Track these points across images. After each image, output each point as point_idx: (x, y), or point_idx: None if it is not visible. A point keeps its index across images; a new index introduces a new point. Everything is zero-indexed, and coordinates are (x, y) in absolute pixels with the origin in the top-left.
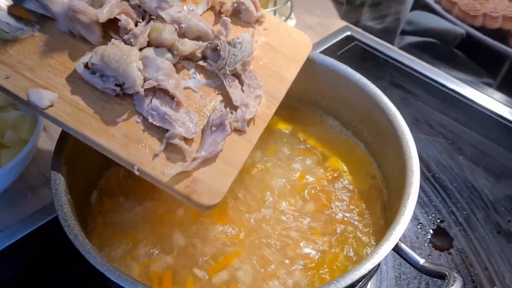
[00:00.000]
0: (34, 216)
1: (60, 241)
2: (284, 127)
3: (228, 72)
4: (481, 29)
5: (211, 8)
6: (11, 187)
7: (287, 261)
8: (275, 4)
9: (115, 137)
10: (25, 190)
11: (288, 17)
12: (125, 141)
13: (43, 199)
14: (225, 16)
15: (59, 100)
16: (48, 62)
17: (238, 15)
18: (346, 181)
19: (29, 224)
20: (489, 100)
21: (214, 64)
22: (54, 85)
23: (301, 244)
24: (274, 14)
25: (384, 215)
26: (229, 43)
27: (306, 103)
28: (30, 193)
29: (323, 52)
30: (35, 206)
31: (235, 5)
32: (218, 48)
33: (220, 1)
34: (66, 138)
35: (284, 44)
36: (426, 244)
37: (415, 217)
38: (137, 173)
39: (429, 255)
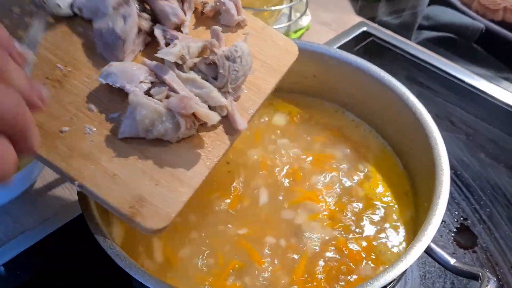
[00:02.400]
0: (55, 217)
1: (81, 241)
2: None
3: (230, 90)
4: (501, 23)
5: (195, 11)
6: (31, 188)
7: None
8: (291, 1)
9: (57, 148)
10: (45, 190)
11: (303, 14)
12: (68, 153)
13: (62, 199)
14: (208, 16)
15: None
16: None
17: (217, 17)
18: (371, 179)
19: (50, 226)
20: (509, 95)
21: (214, 82)
22: None
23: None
24: (290, 10)
25: (411, 214)
26: (227, 58)
27: (327, 99)
28: (49, 194)
29: (339, 48)
30: (55, 206)
31: (217, 4)
32: (214, 62)
33: (203, 1)
34: None
35: (266, 51)
36: (450, 242)
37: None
38: (78, 189)
39: (454, 253)
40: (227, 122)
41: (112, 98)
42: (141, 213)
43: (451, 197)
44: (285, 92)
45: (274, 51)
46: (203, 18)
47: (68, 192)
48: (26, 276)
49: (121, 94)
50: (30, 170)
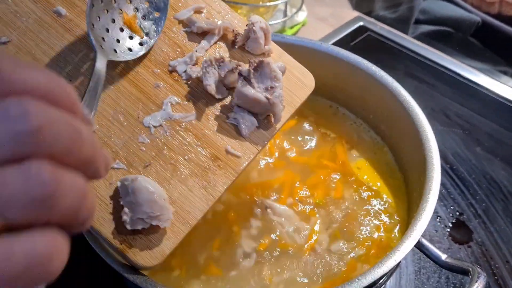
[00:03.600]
0: None
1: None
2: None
3: None
4: (497, 16)
5: (223, 37)
6: None
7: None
8: None
9: None
10: None
11: (299, 9)
12: None
13: None
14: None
15: None
16: None
17: (245, 41)
18: (365, 175)
19: None
20: (506, 88)
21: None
22: None
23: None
24: (285, 6)
25: (404, 209)
26: None
27: (320, 95)
28: None
29: (335, 43)
30: None
31: (248, 32)
32: None
33: (234, 30)
34: None
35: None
36: (445, 237)
37: (433, 211)
38: None
39: (449, 248)
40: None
41: None
42: (133, 248)
43: (447, 192)
44: None
45: (290, 85)
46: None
47: None
48: None
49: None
50: None
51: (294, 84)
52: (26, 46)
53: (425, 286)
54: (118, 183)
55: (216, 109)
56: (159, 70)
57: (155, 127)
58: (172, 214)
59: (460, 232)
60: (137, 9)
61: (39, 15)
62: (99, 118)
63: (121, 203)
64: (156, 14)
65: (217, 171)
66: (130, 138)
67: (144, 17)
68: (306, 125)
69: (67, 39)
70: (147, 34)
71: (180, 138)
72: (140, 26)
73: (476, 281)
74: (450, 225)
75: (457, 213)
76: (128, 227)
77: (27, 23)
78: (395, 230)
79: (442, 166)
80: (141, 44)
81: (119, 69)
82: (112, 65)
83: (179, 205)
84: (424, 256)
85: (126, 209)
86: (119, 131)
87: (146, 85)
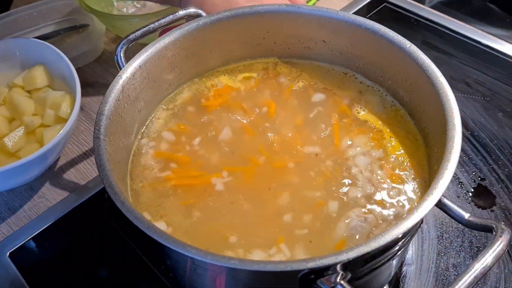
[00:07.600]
0: (78, 191)
1: (104, 213)
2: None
3: None
4: None
5: None
6: (55, 165)
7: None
8: None
9: None
10: (68, 167)
11: None
12: None
13: (85, 175)
14: None
15: None
16: None
17: None
18: (387, 141)
19: (74, 200)
20: None
21: None
22: None
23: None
24: None
25: (424, 171)
26: None
27: (335, 63)
28: (73, 170)
29: None
30: (78, 181)
31: None
32: None
33: None
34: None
35: None
36: (468, 203)
37: (455, 177)
38: None
39: (472, 213)
40: None
41: None
42: None
43: (468, 158)
44: (296, 58)
45: None
46: None
47: (90, 168)
48: (55, 248)
49: None
50: (54, 147)
51: None
52: None
53: (448, 250)
54: None
55: None
56: None
57: None
58: None
59: (482, 197)
60: None
61: None
62: None
63: None
64: None
65: None
66: None
67: None
68: (321, 94)
69: None
70: None
71: None
72: None
73: (501, 236)
74: (472, 190)
75: (479, 179)
76: None
77: None
78: (415, 194)
79: (463, 133)
80: None
81: None
82: None
83: None
84: (446, 221)
85: None
86: None
87: None
